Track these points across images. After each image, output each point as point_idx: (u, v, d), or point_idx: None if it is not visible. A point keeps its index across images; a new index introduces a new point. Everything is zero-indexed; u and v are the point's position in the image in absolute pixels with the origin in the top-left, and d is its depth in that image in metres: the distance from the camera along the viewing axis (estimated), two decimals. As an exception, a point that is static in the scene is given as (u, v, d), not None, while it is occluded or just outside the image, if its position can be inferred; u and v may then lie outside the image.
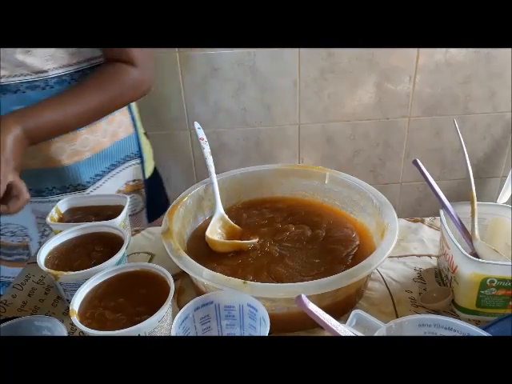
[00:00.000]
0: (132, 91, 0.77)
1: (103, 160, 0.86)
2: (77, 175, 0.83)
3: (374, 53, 1.27)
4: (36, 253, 0.61)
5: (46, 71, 0.72)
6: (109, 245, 0.64)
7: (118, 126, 0.88)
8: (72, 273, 0.58)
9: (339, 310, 0.59)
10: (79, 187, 0.84)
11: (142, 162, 0.96)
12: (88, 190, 0.84)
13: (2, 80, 0.69)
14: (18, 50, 0.67)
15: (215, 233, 0.71)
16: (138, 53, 0.76)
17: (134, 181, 0.95)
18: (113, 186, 0.90)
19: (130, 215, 0.95)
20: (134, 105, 0.91)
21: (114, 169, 0.89)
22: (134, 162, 0.94)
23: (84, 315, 0.51)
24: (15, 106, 0.69)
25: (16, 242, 0.87)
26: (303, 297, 0.39)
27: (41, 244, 0.85)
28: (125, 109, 0.90)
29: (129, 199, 0.74)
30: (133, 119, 0.92)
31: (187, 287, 0.66)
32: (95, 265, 0.58)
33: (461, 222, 0.61)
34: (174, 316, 0.49)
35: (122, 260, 0.63)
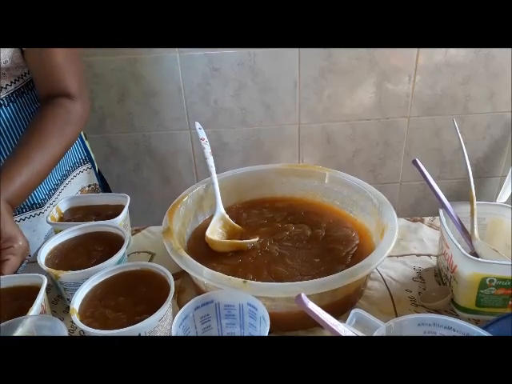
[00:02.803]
0: (81, 126, 0.78)
1: (54, 173, 0.85)
2: (32, 195, 0.81)
3: (373, 53, 1.27)
4: (36, 252, 0.61)
5: None
6: (109, 244, 0.64)
7: None
8: (72, 272, 0.58)
9: (339, 309, 0.59)
10: (35, 206, 0.82)
11: (94, 166, 0.96)
12: (45, 207, 0.83)
13: None
14: None
15: (216, 232, 0.72)
16: (74, 85, 0.76)
17: (89, 186, 0.95)
18: (68, 195, 0.88)
19: None
20: None
21: (65, 179, 0.89)
22: (84, 167, 0.93)
23: (84, 314, 0.51)
24: None
25: None
26: (303, 296, 0.39)
27: None
28: None
29: (129, 198, 0.74)
30: None
31: (187, 286, 0.66)
32: (95, 264, 0.58)
33: (460, 222, 0.62)
34: (174, 315, 0.49)
35: (123, 259, 0.63)
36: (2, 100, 0.74)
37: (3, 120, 0.75)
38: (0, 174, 0.65)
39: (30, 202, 0.82)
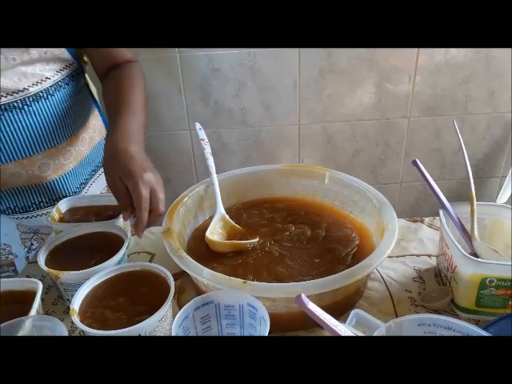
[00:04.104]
0: (143, 82, 0.82)
1: (85, 168, 0.87)
2: (63, 187, 0.83)
3: (373, 53, 1.27)
4: (37, 252, 0.61)
5: (21, 91, 0.72)
6: (109, 245, 0.64)
7: (92, 131, 0.88)
8: (72, 272, 0.58)
9: (339, 310, 0.59)
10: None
11: None
12: None
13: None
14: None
15: (216, 233, 0.71)
16: (128, 51, 0.83)
17: None
18: (95, 191, 0.90)
19: None
20: (102, 107, 0.92)
21: (94, 174, 0.90)
22: None
23: (85, 315, 0.51)
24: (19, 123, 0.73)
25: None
26: (303, 296, 0.39)
27: (28, 259, 0.85)
28: (96, 112, 0.91)
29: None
30: (104, 121, 0.93)
31: (187, 287, 0.66)
32: (95, 265, 0.58)
33: (460, 222, 0.62)
34: (174, 315, 0.49)
35: (123, 260, 0.63)
36: (42, 92, 0.75)
37: (43, 111, 0.76)
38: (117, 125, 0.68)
39: (62, 195, 0.83)
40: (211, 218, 0.74)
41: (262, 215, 0.77)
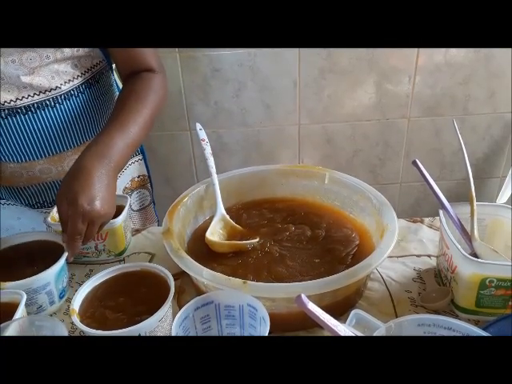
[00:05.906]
0: (163, 96, 0.81)
1: None
2: None
3: (373, 53, 1.27)
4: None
5: (53, 89, 0.72)
6: (49, 254, 0.62)
7: None
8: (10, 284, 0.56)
9: (339, 310, 0.59)
10: None
11: (145, 158, 0.98)
12: None
13: (11, 104, 0.69)
14: (22, 72, 0.67)
15: (216, 233, 0.71)
16: (154, 60, 0.79)
17: (138, 176, 0.96)
18: (119, 184, 0.90)
19: (139, 210, 0.97)
20: None
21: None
22: (136, 158, 0.95)
23: (85, 315, 0.51)
24: (28, 126, 0.72)
25: None
26: (303, 297, 0.39)
27: None
28: None
29: (129, 199, 0.75)
30: None
31: (187, 287, 0.66)
32: (35, 274, 0.57)
33: (460, 223, 0.62)
34: (174, 315, 0.49)
35: (63, 269, 0.62)
36: (73, 90, 0.75)
37: (73, 109, 0.76)
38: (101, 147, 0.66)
39: None
40: (211, 218, 0.74)
41: (262, 215, 0.77)
